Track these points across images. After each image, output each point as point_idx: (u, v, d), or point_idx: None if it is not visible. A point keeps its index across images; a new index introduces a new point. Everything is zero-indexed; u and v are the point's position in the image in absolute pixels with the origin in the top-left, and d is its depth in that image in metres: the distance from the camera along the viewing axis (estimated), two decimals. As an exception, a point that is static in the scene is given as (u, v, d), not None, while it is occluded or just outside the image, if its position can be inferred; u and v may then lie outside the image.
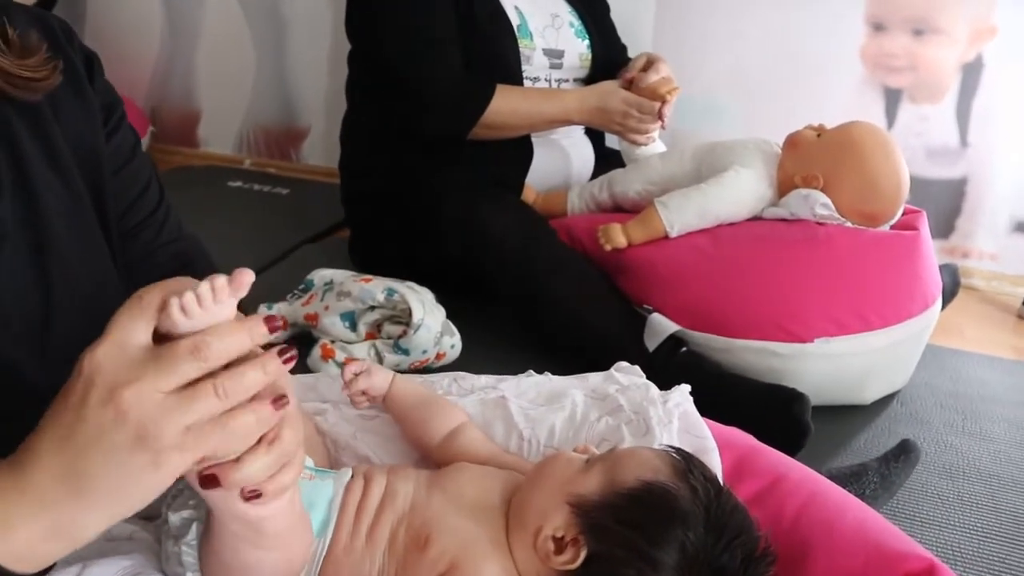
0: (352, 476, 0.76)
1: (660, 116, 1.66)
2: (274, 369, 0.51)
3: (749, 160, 1.50)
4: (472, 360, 1.54)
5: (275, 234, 2.14)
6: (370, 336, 1.52)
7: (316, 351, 1.49)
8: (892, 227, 1.47)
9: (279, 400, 0.51)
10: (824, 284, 1.36)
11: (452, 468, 0.79)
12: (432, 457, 0.86)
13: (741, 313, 1.39)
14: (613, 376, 0.95)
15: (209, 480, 0.51)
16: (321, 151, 2.63)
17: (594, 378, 0.96)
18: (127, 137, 0.85)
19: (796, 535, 0.74)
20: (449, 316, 1.54)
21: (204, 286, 0.50)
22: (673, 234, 1.49)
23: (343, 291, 1.51)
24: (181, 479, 0.69)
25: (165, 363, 0.48)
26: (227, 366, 0.50)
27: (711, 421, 0.91)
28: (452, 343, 1.53)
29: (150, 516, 0.79)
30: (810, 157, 1.46)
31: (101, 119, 0.80)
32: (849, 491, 1.08)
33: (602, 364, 1.44)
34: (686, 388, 0.92)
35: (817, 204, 1.41)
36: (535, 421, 0.88)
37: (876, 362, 1.40)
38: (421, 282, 1.58)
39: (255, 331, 0.51)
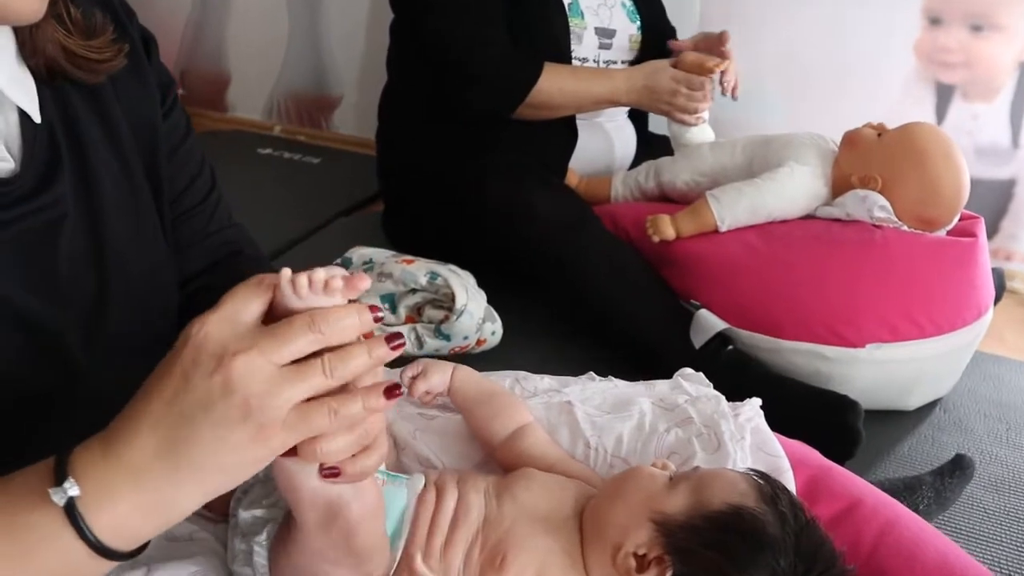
0: (424, 486, 0.74)
1: (725, 88, 1.63)
2: (380, 354, 0.50)
3: (805, 157, 1.47)
4: (512, 347, 1.53)
5: (307, 205, 2.12)
6: (410, 319, 1.50)
7: (355, 332, 1.47)
8: (948, 232, 1.44)
9: (392, 390, 0.51)
10: (879, 289, 1.33)
11: (521, 476, 0.78)
12: (496, 455, 0.85)
13: (791, 314, 1.36)
14: (680, 385, 0.93)
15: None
16: (353, 121, 2.59)
17: (661, 386, 0.93)
18: (181, 119, 0.83)
19: (874, 565, 0.73)
20: (488, 300, 1.52)
21: (320, 273, 0.51)
22: (723, 228, 1.46)
23: (384, 272, 1.49)
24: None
25: (281, 333, 0.48)
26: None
27: (778, 435, 0.89)
28: (493, 329, 1.51)
29: (213, 516, 0.79)
30: (869, 157, 1.42)
31: (159, 99, 0.79)
32: (901, 502, 1.07)
33: (645, 358, 1.44)
34: (757, 402, 0.90)
35: (875, 207, 1.38)
36: (602, 429, 0.86)
37: (926, 370, 1.37)
38: (458, 262, 1.56)
39: (364, 316, 0.51)
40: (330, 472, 0.52)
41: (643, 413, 0.88)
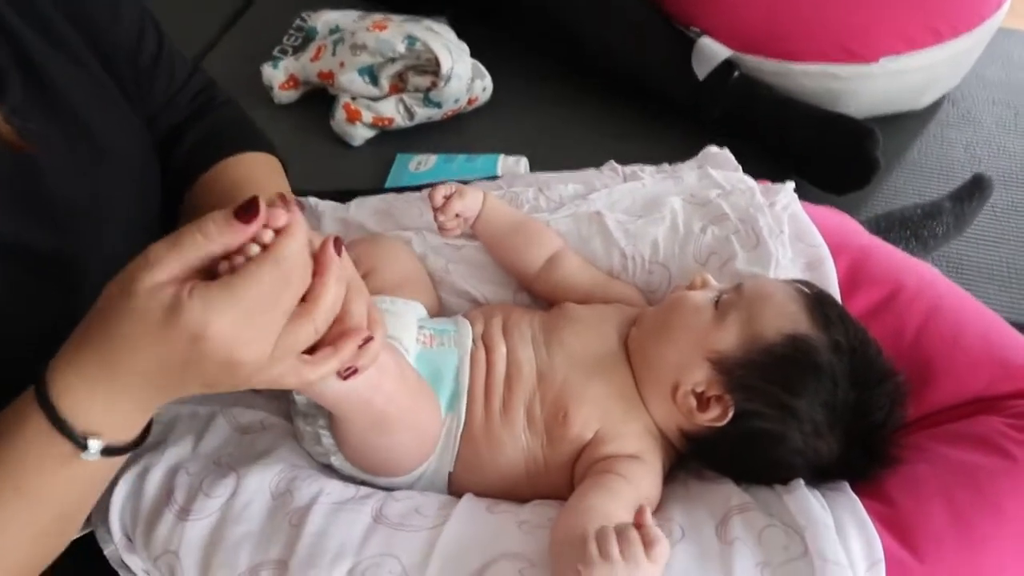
0: (472, 341, 0.75)
1: None
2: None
3: None
4: (506, 102, 1.46)
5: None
6: (395, 89, 1.40)
7: (340, 113, 1.39)
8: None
9: (338, 243, 0.51)
10: (894, -5, 1.23)
11: (564, 317, 0.77)
12: (531, 287, 0.84)
13: (799, 33, 1.28)
14: (709, 175, 0.89)
15: None
16: None
17: (689, 178, 0.90)
18: None
19: (919, 354, 0.74)
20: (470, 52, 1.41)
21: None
22: (720, -59, 1.32)
23: (357, 43, 1.37)
24: None
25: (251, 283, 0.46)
26: None
27: (811, 207, 0.88)
28: (484, 86, 1.43)
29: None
30: None
31: None
32: (922, 232, 1.10)
33: (649, 97, 1.38)
34: (791, 186, 0.87)
35: None
36: (635, 236, 0.84)
37: (940, 73, 1.32)
38: (427, 8, 1.43)
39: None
40: (348, 373, 0.54)
41: (675, 212, 0.85)
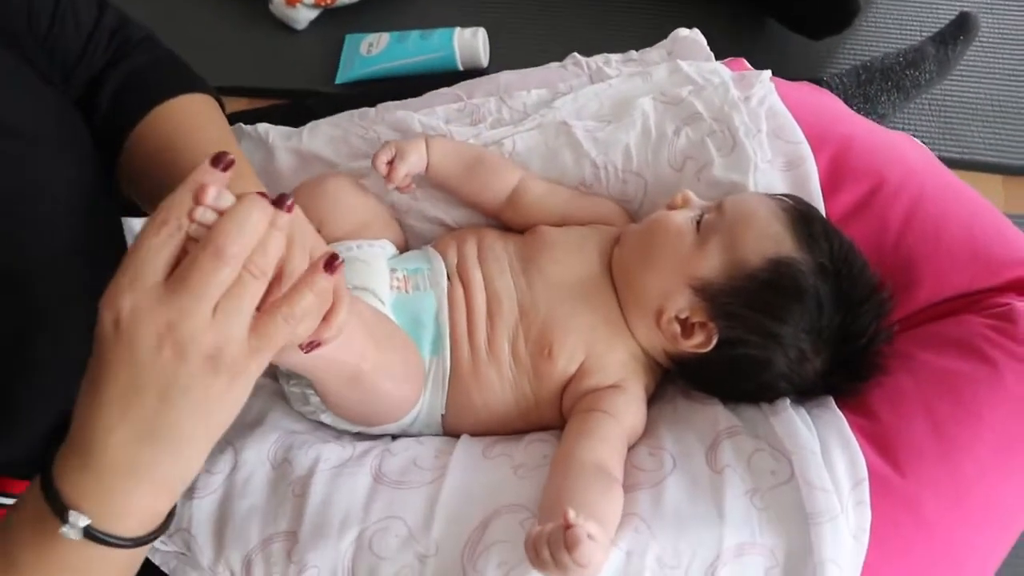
0: (448, 278, 0.73)
1: None
2: (285, 223, 0.46)
3: None
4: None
5: None
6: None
7: (277, -7, 1.28)
8: None
9: (332, 263, 0.47)
10: None
11: (541, 243, 0.76)
12: (500, 217, 0.81)
13: None
14: (680, 69, 0.84)
15: None
16: None
17: (658, 74, 0.84)
18: None
19: (902, 252, 0.73)
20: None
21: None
22: None
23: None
24: None
25: (196, 282, 0.43)
26: None
27: (788, 88, 0.83)
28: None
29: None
30: None
31: None
32: (904, 82, 1.06)
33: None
34: (767, 75, 0.81)
35: None
36: (606, 144, 0.80)
37: None
38: None
39: (263, 207, 0.45)
40: (310, 346, 0.52)
41: (646, 115, 0.81)
